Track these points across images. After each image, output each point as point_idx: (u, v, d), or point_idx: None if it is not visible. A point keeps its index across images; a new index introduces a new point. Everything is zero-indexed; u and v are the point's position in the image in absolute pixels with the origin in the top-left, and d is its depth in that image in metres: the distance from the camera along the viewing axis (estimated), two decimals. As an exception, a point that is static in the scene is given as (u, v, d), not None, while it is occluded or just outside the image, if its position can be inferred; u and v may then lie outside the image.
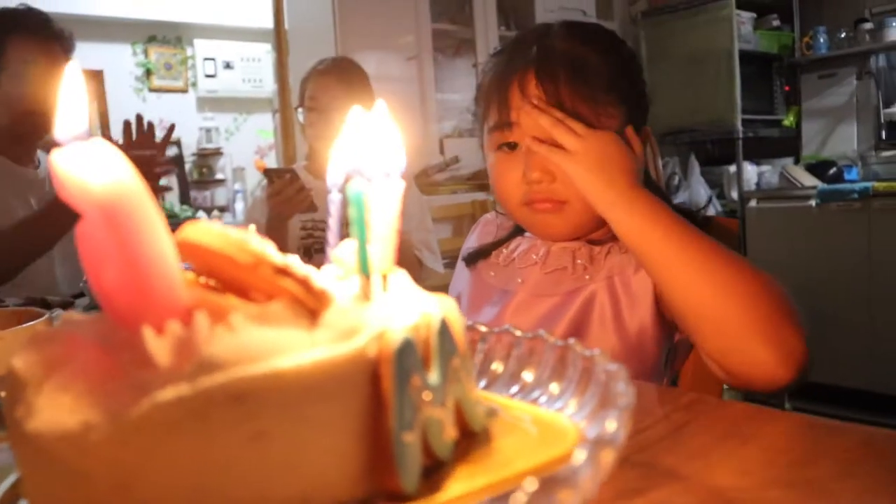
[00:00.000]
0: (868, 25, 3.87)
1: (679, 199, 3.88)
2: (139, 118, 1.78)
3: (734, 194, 3.99)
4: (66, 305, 1.46)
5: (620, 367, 0.44)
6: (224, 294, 0.42)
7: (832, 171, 3.91)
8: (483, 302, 1.15)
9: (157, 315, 0.36)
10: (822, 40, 4.03)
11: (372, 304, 0.40)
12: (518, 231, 1.21)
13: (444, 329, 0.42)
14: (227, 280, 0.42)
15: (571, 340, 0.53)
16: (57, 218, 1.68)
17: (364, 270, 0.41)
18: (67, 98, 0.37)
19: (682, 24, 4.12)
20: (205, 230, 0.40)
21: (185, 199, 6.23)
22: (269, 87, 5.58)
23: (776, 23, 4.19)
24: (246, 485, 0.35)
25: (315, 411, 0.36)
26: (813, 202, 3.70)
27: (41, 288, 1.77)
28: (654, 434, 0.68)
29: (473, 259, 1.23)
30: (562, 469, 0.32)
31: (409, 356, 0.38)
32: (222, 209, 6.46)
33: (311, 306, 0.38)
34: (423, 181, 3.30)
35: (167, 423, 0.34)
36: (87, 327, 0.40)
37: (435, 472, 0.40)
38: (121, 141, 1.76)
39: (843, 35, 3.96)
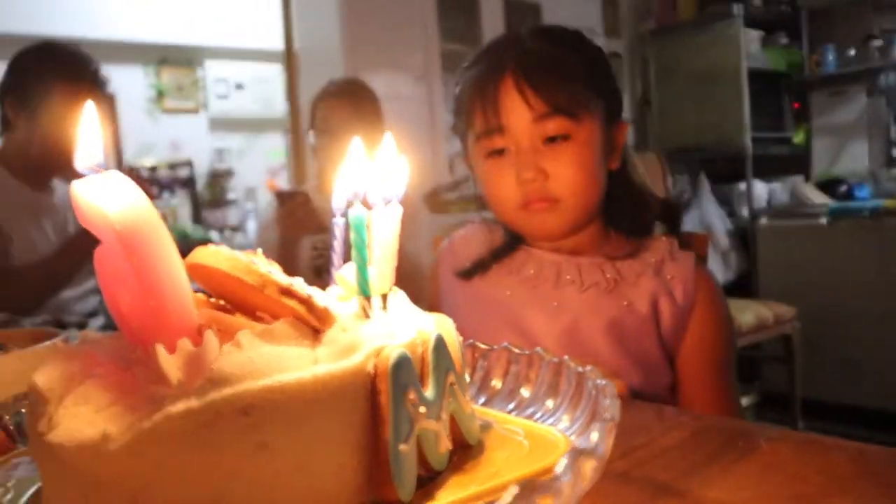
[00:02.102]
0: (877, 43, 3.87)
1: (690, 217, 3.86)
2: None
3: (744, 212, 3.99)
4: (81, 325, 1.50)
5: (608, 382, 0.46)
6: (233, 313, 0.45)
7: (843, 188, 3.90)
8: (504, 322, 1.13)
9: (169, 334, 0.39)
10: (830, 58, 4.02)
11: (371, 322, 0.43)
12: (514, 240, 1.17)
13: (440, 346, 0.44)
14: (236, 300, 0.45)
15: (566, 357, 0.55)
16: (74, 252, 1.74)
17: (364, 291, 0.44)
18: (85, 133, 0.40)
19: (690, 42, 4.13)
20: (215, 254, 0.42)
21: (197, 218, 6.27)
22: (279, 107, 5.61)
23: (784, 41, 4.20)
24: (252, 493, 0.38)
25: (316, 424, 0.39)
26: (824, 220, 3.69)
27: (51, 309, 1.80)
28: (652, 450, 0.70)
29: (473, 272, 1.19)
30: (545, 478, 0.34)
31: (405, 372, 0.40)
32: (234, 229, 6.48)
33: (313, 325, 0.41)
34: (432, 201, 3.32)
35: (178, 435, 0.36)
36: (104, 345, 0.43)
37: (430, 482, 0.43)
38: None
39: (852, 52, 3.96)
